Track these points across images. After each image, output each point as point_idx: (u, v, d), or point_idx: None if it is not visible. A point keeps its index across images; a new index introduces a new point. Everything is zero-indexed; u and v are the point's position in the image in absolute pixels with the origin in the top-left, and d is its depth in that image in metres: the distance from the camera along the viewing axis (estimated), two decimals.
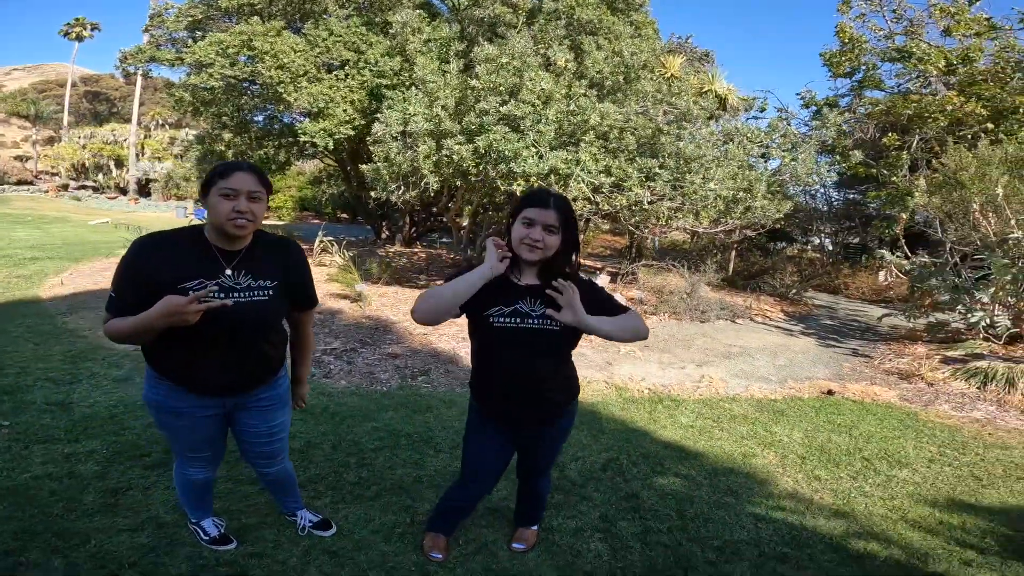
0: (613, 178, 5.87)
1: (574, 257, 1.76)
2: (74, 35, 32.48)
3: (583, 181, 5.71)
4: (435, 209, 13.17)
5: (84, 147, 27.59)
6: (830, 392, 4.59)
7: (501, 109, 5.73)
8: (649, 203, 6.24)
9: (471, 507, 2.19)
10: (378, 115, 6.84)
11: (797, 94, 12.44)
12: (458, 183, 6.58)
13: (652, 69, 7.32)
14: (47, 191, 24.56)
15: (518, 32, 6.57)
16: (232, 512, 2.34)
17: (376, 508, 2.46)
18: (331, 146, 8.71)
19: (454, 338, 5.37)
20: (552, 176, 5.70)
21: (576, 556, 2.24)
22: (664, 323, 6.95)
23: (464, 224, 9.76)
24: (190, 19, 10.47)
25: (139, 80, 25.46)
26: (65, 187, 25.51)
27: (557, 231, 1.64)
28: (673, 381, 4.66)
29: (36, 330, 4.76)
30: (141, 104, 26.89)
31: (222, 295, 1.57)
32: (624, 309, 1.79)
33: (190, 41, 9.87)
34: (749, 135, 7.01)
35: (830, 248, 14.30)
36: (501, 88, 5.92)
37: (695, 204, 6.22)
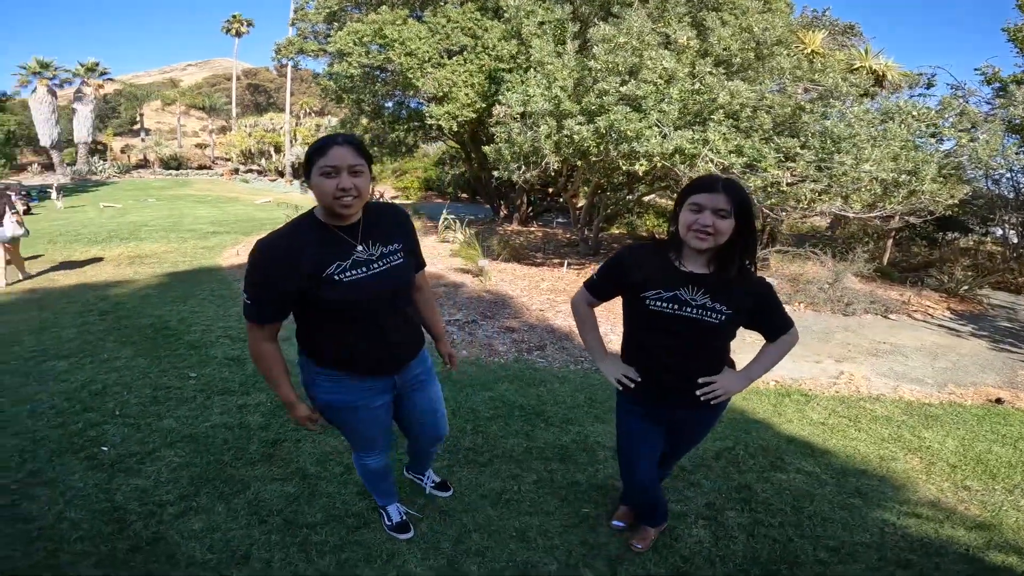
0: (745, 158, 5.48)
1: (750, 248, 1.60)
2: (233, 31, 36.40)
3: (711, 161, 5.40)
4: (551, 189, 13.25)
5: (250, 135, 31.42)
6: (999, 400, 3.97)
7: (621, 89, 5.59)
8: (788, 185, 5.73)
9: (641, 496, 2.07)
10: (497, 98, 7.00)
11: (976, 70, 10.63)
12: (578, 163, 6.55)
13: (788, 45, 6.63)
14: (222, 175, 28.47)
15: (634, 11, 6.30)
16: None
17: (487, 474, 2.61)
18: (454, 128, 9.08)
19: (569, 316, 5.43)
20: (677, 156, 5.46)
21: (675, 539, 2.23)
22: (799, 314, 6.41)
23: (580, 204, 9.71)
24: (327, 11, 11.35)
25: (289, 72, 28.27)
26: (236, 171, 29.37)
27: (729, 215, 1.52)
28: (805, 375, 4.31)
29: (217, 293, 5.62)
30: (291, 94, 29.80)
31: (363, 269, 1.55)
32: (789, 323, 1.74)
33: (329, 32, 10.76)
34: (915, 113, 6.11)
35: (1015, 241, 12.08)
36: (620, 68, 5.76)
37: (844, 187, 5.60)
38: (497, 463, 2.71)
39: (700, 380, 1.70)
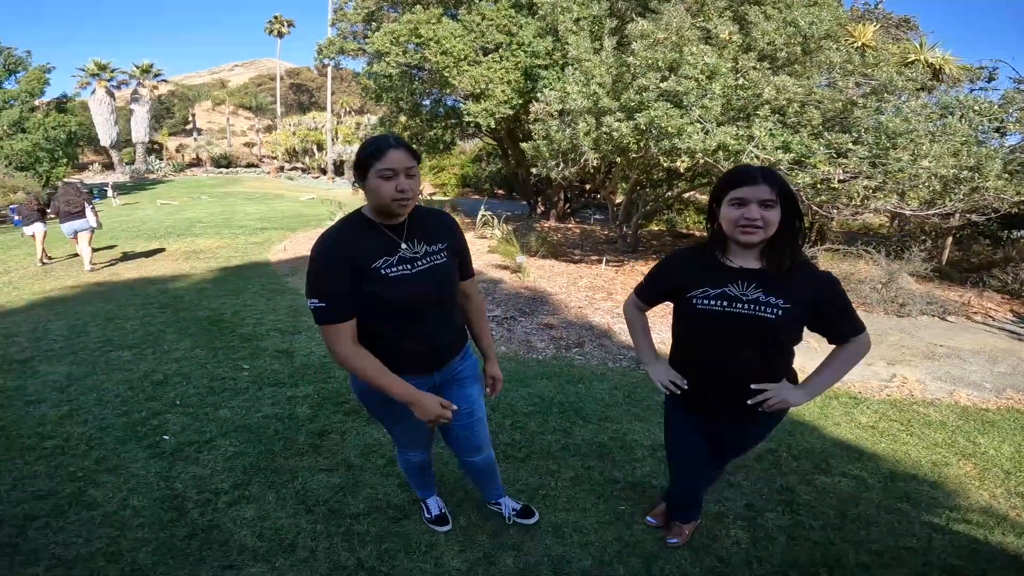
0: (793, 154, 5.33)
1: (799, 236, 1.50)
2: (275, 32, 37.33)
3: (756, 157, 5.28)
4: (588, 186, 13.15)
5: (294, 134, 32.36)
6: None
7: (661, 85, 5.51)
8: (840, 182, 5.54)
9: (684, 498, 2.08)
10: (535, 95, 7.01)
11: None
12: (617, 159, 6.51)
13: (837, 39, 6.37)
14: (268, 172, 29.46)
15: (672, 5, 6.19)
16: None
17: (524, 469, 2.65)
18: (492, 125, 9.14)
19: (609, 313, 5.42)
20: (720, 152, 5.36)
21: (712, 540, 2.21)
22: None
23: (618, 200, 9.63)
24: (365, 11, 11.55)
25: (329, 71, 28.88)
26: (281, 169, 30.35)
27: (775, 204, 1.44)
28: (855, 377, 4.17)
29: (268, 287, 5.86)
30: (332, 93, 30.44)
31: (408, 266, 1.58)
32: (860, 327, 1.58)
33: (368, 32, 10.97)
34: (976, 107, 5.80)
35: None
36: (659, 64, 5.68)
37: (901, 183, 5.37)
38: (535, 459, 2.74)
39: (754, 387, 1.59)
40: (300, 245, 8.42)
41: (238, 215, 12.30)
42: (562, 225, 12.25)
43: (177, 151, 33.36)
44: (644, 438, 2.97)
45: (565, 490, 2.50)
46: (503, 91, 8.70)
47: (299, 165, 31.20)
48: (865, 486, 2.64)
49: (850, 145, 5.37)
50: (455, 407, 1.68)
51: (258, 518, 2.26)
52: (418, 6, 9.58)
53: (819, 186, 5.61)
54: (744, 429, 1.79)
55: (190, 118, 39.94)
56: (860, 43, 7.70)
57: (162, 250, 8.08)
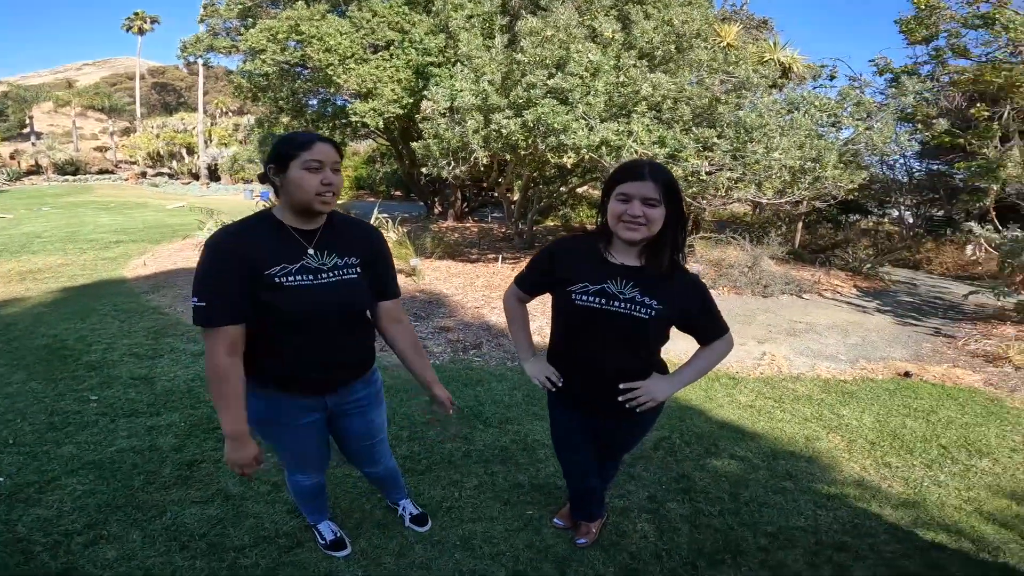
0: (667, 149, 5.64)
1: (680, 237, 1.52)
2: (136, 28, 34.00)
3: (635, 152, 5.51)
4: (485, 184, 13.20)
5: (158, 136, 29.28)
6: (907, 374, 4.28)
7: (548, 82, 5.60)
8: (707, 174, 5.95)
9: (583, 498, 2.04)
10: (425, 93, 6.85)
11: (870, 61, 11.58)
12: (508, 157, 6.52)
13: (706, 38, 6.89)
14: (127, 179, 26.34)
15: (562, 3, 6.34)
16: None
17: (426, 482, 2.51)
18: (381, 125, 8.85)
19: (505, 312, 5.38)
20: (603, 148, 5.54)
21: (621, 536, 2.22)
22: (724, 297, 6.69)
23: (514, 198, 9.71)
24: (240, 6, 10.77)
25: (201, 70, 26.56)
26: (143, 175, 27.29)
27: (659, 203, 1.44)
28: (732, 358, 4.47)
29: (122, 308, 5.13)
30: (205, 93, 28.03)
31: (311, 277, 1.46)
32: (724, 328, 1.64)
33: (243, 29, 10.22)
34: (817, 103, 6.52)
35: (910, 221, 13.29)
36: (547, 61, 5.77)
37: (757, 175, 5.87)
38: (436, 470, 2.61)
39: (622, 386, 1.61)
40: (164, 259, 7.53)
41: (87, 228, 10.80)
42: (460, 224, 12.15)
43: (12, 158, 28.90)
44: (545, 438, 2.93)
45: (470, 500, 2.40)
46: (393, 90, 8.42)
47: (165, 170, 28.28)
48: (752, 467, 2.78)
49: (715, 139, 5.78)
50: (262, 464, 1.58)
51: (122, 558, 1.99)
52: (300, 2, 9.00)
53: (690, 178, 6.00)
54: (625, 424, 1.78)
55: (27, 121, 34.76)
56: (725, 42, 8.37)
57: None
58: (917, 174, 13.31)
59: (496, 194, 12.46)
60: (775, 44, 11.14)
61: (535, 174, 8.39)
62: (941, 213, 13.40)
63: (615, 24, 6.19)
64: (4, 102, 34.95)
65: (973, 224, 6.35)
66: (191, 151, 28.09)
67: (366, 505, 2.31)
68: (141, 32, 34.32)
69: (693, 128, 5.89)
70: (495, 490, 2.47)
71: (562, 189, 9.93)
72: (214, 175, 26.71)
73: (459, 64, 6.66)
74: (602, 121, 5.59)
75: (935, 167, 13.03)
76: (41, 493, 2.35)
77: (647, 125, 5.53)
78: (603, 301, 1.54)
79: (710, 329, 1.65)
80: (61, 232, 10.11)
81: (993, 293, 5.82)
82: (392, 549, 2.08)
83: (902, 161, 12.55)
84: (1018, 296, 5.76)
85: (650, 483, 2.58)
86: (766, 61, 9.53)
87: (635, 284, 1.54)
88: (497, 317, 5.21)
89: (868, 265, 9.11)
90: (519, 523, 2.25)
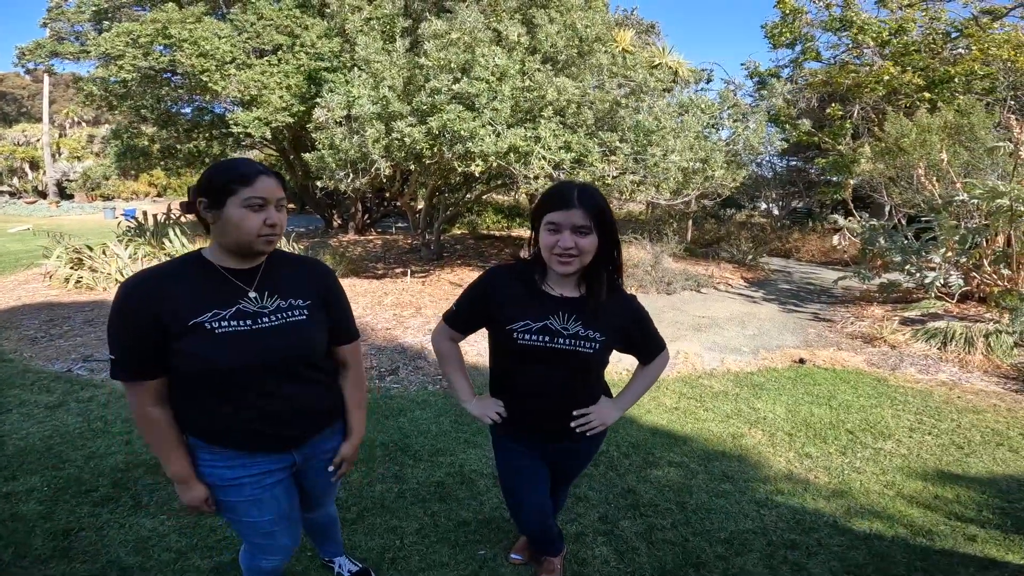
0: (574, 154, 5.69)
1: (616, 257, 1.49)
2: None
3: (544, 158, 5.50)
4: (388, 194, 12.72)
5: None
6: (801, 361, 4.63)
7: (454, 87, 5.41)
8: (613, 178, 6.10)
9: (544, 533, 1.91)
10: (318, 100, 6.39)
11: (741, 64, 12.73)
12: (412, 167, 6.25)
13: (605, 43, 7.10)
14: None
15: (467, 6, 6.21)
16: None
17: (360, 532, 2.25)
18: (268, 136, 8.20)
19: (420, 330, 5.12)
20: (512, 154, 5.46)
21: (581, 564, 2.11)
22: None
23: (419, 207, 9.42)
24: (95, 8, 9.59)
25: (46, 77, 23.35)
26: None
27: (590, 231, 1.38)
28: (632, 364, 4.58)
29: None
30: (52, 102, 24.78)
31: (248, 323, 1.29)
32: (661, 345, 1.67)
33: (94, 33, 9.07)
34: (703, 106, 6.95)
35: (776, 213, 14.77)
36: (452, 65, 5.59)
37: (657, 176, 6.12)
38: (369, 517, 2.34)
39: (575, 413, 1.58)
40: (6, 294, 6.34)
41: None
42: (362, 238, 11.59)
43: None
44: (482, 467, 2.76)
45: (415, 546, 2.16)
46: (281, 97, 7.79)
47: (4, 188, 24.38)
48: (690, 472, 2.79)
49: (617, 143, 5.94)
50: (213, 509, 1.43)
51: None
52: (170, 3, 8.07)
53: (597, 183, 6.13)
54: (574, 448, 1.73)
55: None
56: (621, 47, 8.69)
57: None
58: (780, 170, 14.87)
59: (399, 204, 12.07)
60: (664, 49, 11.81)
61: (440, 182, 8.17)
62: (801, 205, 15.09)
63: (520, 28, 6.15)
64: None
65: (838, 216, 7.09)
66: (36, 166, 24.49)
67: (297, 567, 2.01)
68: None
69: (597, 132, 6.00)
70: (439, 532, 2.26)
71: (468, 196, 9.79)
72: (64, 192, 23.50)
73: (356, 69, 6.29)
74: (509, 127, 5.52)
75: (794, 163, 14.64)
76: None
77: (553, 130, 5.54)
78: (546, 339, 1.48)
79: (650, 348, 1.67)
80: None
81: (859, 277, 6.53)
82: None
83: (768, 159, 13.97)
84: (879, 278, 6.50)
85: (598, 502, 2.50)
86: (657, 65, 10.04)
87: (576, 317, 1.49)
88: (411, 338, 4.94)
89: (750, 257, 9.92)
90: (473, 566, 2.07)
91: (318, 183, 6.91)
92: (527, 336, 1.48)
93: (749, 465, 2.90)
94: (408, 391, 3.78)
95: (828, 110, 10.77)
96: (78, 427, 3.09)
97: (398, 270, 8.04)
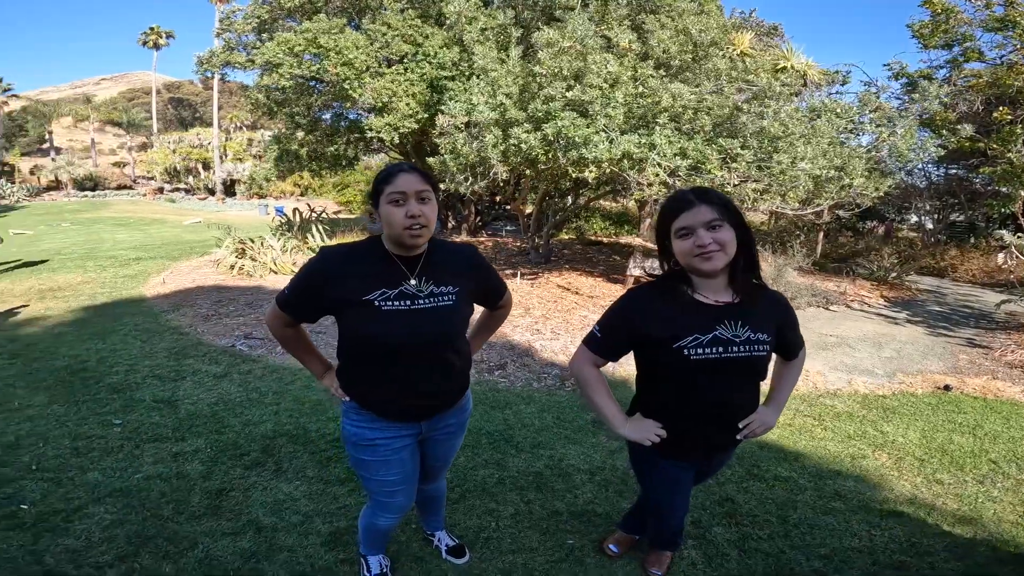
0: (690, 160, 5.54)
1: (753, 253, 1.45)
2: (151, 43, 34.45)
3: (658, 165, 5.43)
4: (499, 197, 13.17)
5: (174, 151, 29.74)
6: (947, 387, 4.13)
7: (567, 95, 5.54)
8: (734, 186, 5.84)
9: (675, 533, 1.98)
10: (440, 107, 6.82)
11: (884, 65, 11.48)
12: (527, 171, 6.46)
13: (722, 47, 6.81)
14: (144, 194, 26.75)
15: (576, 14, 6.31)
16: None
17: (461, 511, 2.42)
18: (396, 140, 8.83)
19: (528, 329, 5.30)
20: (625, 161, 5.46)
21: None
22: None
23: (528, 211, 9.66)
24: (257, 20, 10.81)
25: (216, 85, 26.91)
26: (160, 190, 27.68)
27: (723, 223, 1.36)
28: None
29: (142, 328, 5.11)
30: (220, 108, 28.43)
31: (407, 303, 1.49)
32: (802, 339, 1.65)
33: (258, 43, 10.27)
34: (838, 110, 6.40)
35: (930, 227, 13.05)
36: (565, 73, 5.71)
37: (783, 185, 5.76)
38: (470, 498, 2.52)
39: (741, 424, 1.55)
40: (183, 276, 7.54)
41: (106, 244, 10.91)
42: (474, 239, 12.11)
43: (32, 173, 29.48)
44: (580, 462, 2.84)
45: (508, 529, 2.30)
46: (408, 104, 8.41)
47: (182, 186, 28.66)
48: (798, 487, 2.67)
49: (739, 150, 5.68)
50: (346, 398, 1.64)
51: None
52: (320, 15, 9.04)
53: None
54: (726, 458, 1.77)
55: (47, 136, 35.48)
56: (740, 51, 8.29)
57: (11, 288, 6.89)
58: (936, 179, 13.13)
59: (510, 207, 12.43)
60: (789, 51, 11.05)
61: (551, 187, 8.33)
62: (962, 218, 13.19)
63: (631, 34, 6.13)
64: (24, 117, 35.65)
65: (1005, 232, 6.17)
66: (207, 166, 28.45)
67: (401, 536, 2.22)
68: (156, 47, 34.78)
69: (715, 139, 5.79)
70: (532, 518, 2.37)
71: (577, 202, 9.86)
72: (229, 190, 26.99)
73: (475, 77, 6.64)
74: (622, 133, 5.52)
75: (953, 171, 12.85)
76: (68, 522, 2.28)
77: (668, 137, 5.45)
78: (720, 349, 1.44)
79: (796, 344, 1.63)
80: (81, 249, 10.23)
81: None
82: None
83: (920, 166, 12.41)
84: None
85: (693, 508, 2.46)
86: (782, 68, 9.43)
87: (743, 322, 1.45)
88: (520, 336, 5.12)
89: (894, 274, 8.92)
90: (560, 553, 2.16)
91: (440, 186, 7.37)
92: (699, 351, 1.42)
93: (867, 486, 2.71)
94: (514, 386, 3.95)
95: (995, 114, 9.37)
96: (238, 396, 3.59)
97: (507, 271, 8.32)
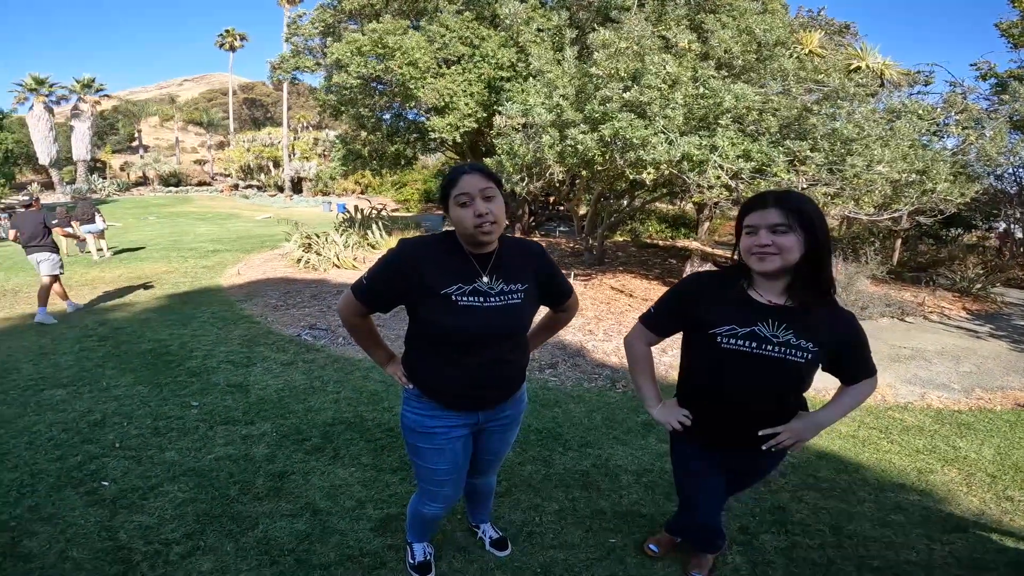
0: (754, 163, 5.37)
1: (825, 264, 1.42)
2: (227, 45, 36.14)
3: (720, 167, 5.29)
4: (552, 198, 13.16)
5: (248, 150, 31.48)
6: None
7: (624, 95, 5.48)
8: (803, 189, 5.62)
9: (708, 531, 1.94)
10: (497, 107, 6.91)
11: (971, 65, 10.60)
12: (583, 172, 6.45)
13: (788, 46, 6.52)
14: (221, 191, 28.48)
15: (633, 15, 6.22)
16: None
17: (507, 505, 2.47)
18: (456, 139, 8.98)
19: (580, 330, 5.30)
20: (685, 163, 5.35)
21: (710, 568, 2.09)
22: None
23: (583, 212, 9.62)
24: (323, 23, 11.25)
25: (285, 86, 28.18)
26: (235, 187, 29.40)
27: (789, 230, 1.36)
28: (829, 385, 4.15)
29: (219, 316, 5.49)
30: (288, 108, 29.77)
31: (480, 299, 1.53)
32: (873, 369, 1.56)
33: (325, 46, 10.69)
34: (919, 111, 6.01)
35: (1019, 236, 11.98)
36: (622, 74, 5.66)
37: (857, 189, 5.47)
38: (516, 492, 2.58)
39: (761, 433, 1.54)
40: (255, 268, 8.03)
41: (188, 236, 11.74)
42: (528, 239, 12.17)
43: (122, 169, 32.00)
44: (628, 463, 2.84)
45: (551, 525, 2.34)
46: (467, 104, 8.56)
47: (254, 183, 30.30)
48: (856, 499, 2.58)
49: (808, 152, 5.45)
50: (410, 385, 1.68)
51: (217, 570, 2.03)
52: (385, 16, 9.35)
53: None
54: (758, 460, 1.71)
55: (136, 135, 38.39)
56: (808, 50, 7.94)
57: (102, 276, 7.56)
58: None
59: (564, 208, 12.40)
60: (863, 49, 10.44)
61: (606, 188, 8.27)
62: None
63: (689, 34, 5.99)
64: (115, 116, 38.48)
65: None
66: (277, 164, 29.91)
67: (447, 526, 2.30)
68: (232, 49, 36.48)
69: (783, 141, 5.58)
70: (576, 516, 2.41)
71: (632, 204, 9.72)
72: (296, 188, 28.27)
73: (531, 78, 6.68)
74: (682, 135, 5.42)
75: None
76: (144, 500, 2.45)
77: (731, 138, 5.30)
78: (754, 345, 1.46)
79: (860, 370, 1.56)
80: (166, 240, 11.06)
81: None
82: (472, 573, 2.05)
83: (1011, 171, 11.41)
84: None
85: (741, 514, 2.43)
86: (855, 68, 8.94)
87: (788, 326, 1.45)
88: (572, 336, 5.14)
89: (978, 285, 8.28)
90: (601, 552, 2.18)
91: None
92: (731, 341, 1.47)
93: (932, 500, 2.60)
94: (564, 385, 3.98)
95: None
96: (303, 384, 3.80)
97: (572, 282, 8.32)
